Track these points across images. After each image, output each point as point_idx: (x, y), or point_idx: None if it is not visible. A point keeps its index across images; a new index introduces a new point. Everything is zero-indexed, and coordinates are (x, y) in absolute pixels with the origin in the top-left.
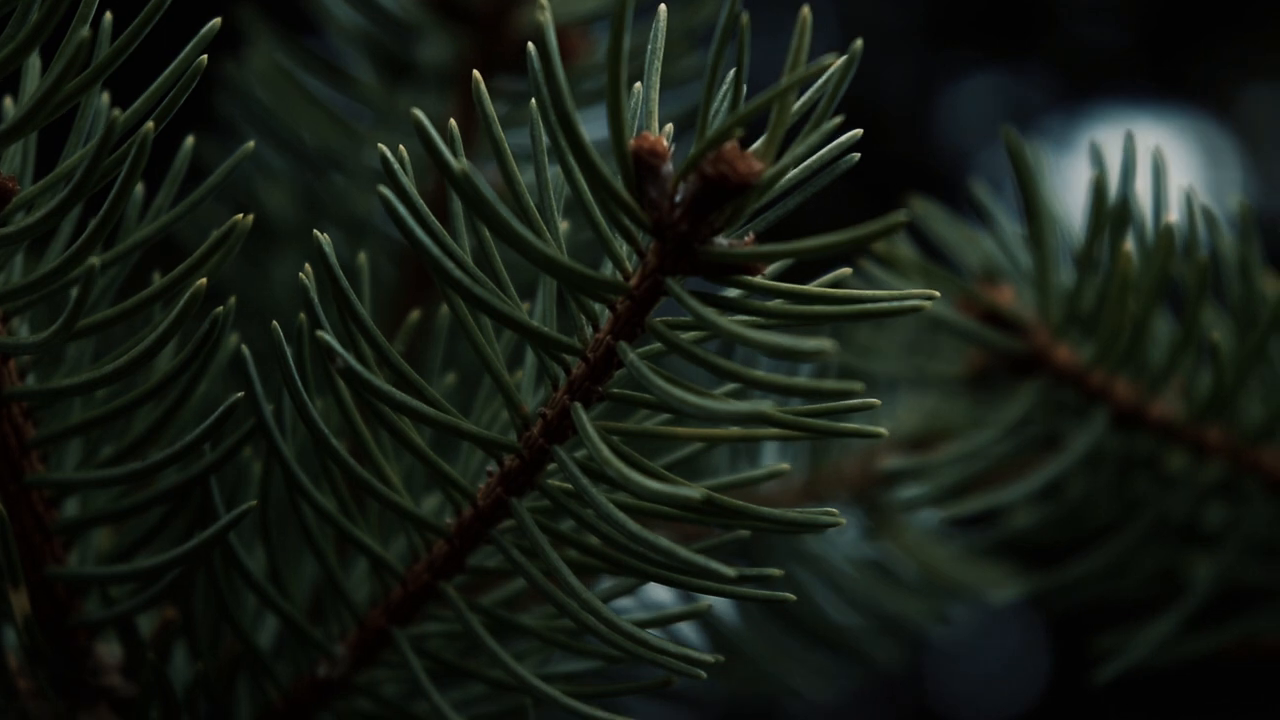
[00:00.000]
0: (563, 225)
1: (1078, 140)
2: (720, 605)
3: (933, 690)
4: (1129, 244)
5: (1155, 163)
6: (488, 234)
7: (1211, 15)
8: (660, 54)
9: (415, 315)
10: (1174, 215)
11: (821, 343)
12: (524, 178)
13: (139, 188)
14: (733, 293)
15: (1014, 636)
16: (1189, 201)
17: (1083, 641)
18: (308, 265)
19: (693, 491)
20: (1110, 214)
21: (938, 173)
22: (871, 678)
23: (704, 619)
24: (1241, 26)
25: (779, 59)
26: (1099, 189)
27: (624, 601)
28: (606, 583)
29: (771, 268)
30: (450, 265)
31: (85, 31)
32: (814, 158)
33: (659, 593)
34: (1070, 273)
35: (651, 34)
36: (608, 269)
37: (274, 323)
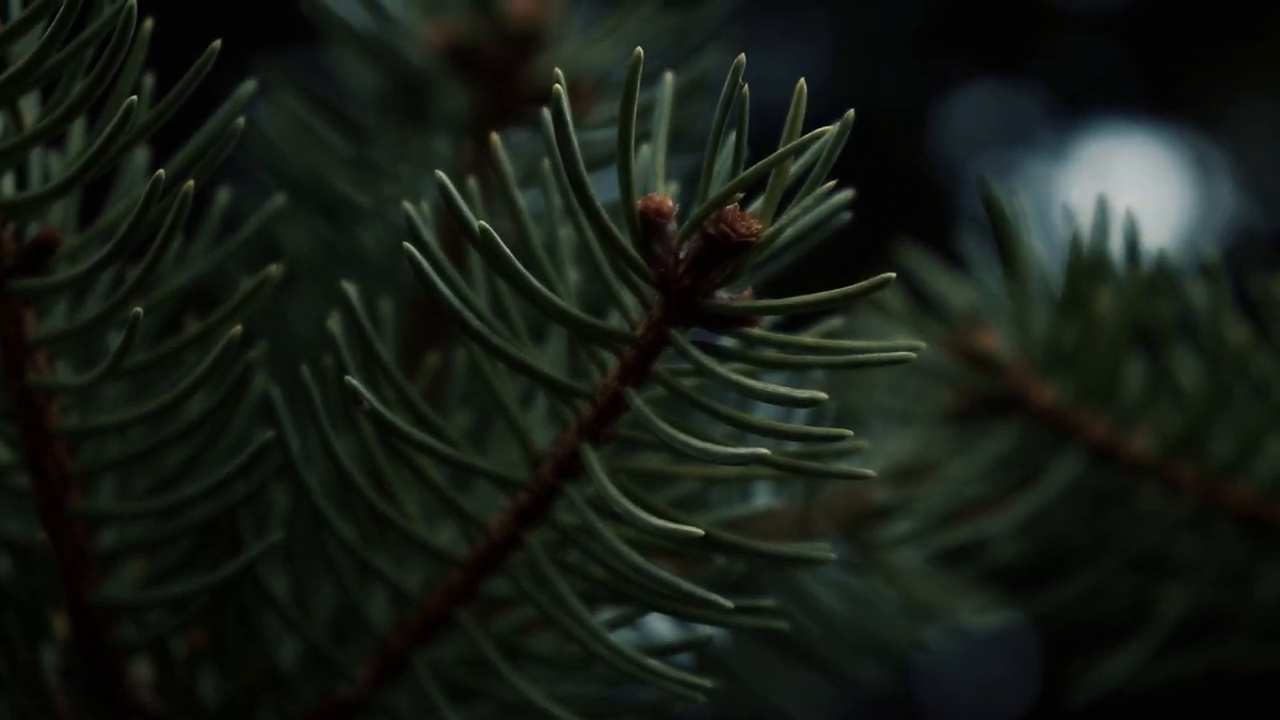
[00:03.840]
0: (573, 276)
1: (1071, 152)
2: (715, 630)
3: (922, 711)
4: (1104, 294)
5: (1129, 224)
6: (503, 284)
7: (1204, 31)
8: (667, 119)
9: (434, 359)
10: (1146, 268)
11: (814, 394)
12: (536, 229)
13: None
14: (732, 342)
15: (1004, 657)
16: (1162, 255)
17: (1069, 664)
18: (334, 313)
19: (694, 529)
20: (1086, 268)
21: (931, 182)
22: (861, 698)
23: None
24: (1233, 42)
25: (777, 65)
26: (1076, 246)
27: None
28: (611, 612)
29: (768, 318)
30: (469, 316)
31: (132, 99)
32: (809, 218)
33: (658, 622)
34: (1052, 314)
35: (658, 100)
36: (616, 319)
37: (303, 366)
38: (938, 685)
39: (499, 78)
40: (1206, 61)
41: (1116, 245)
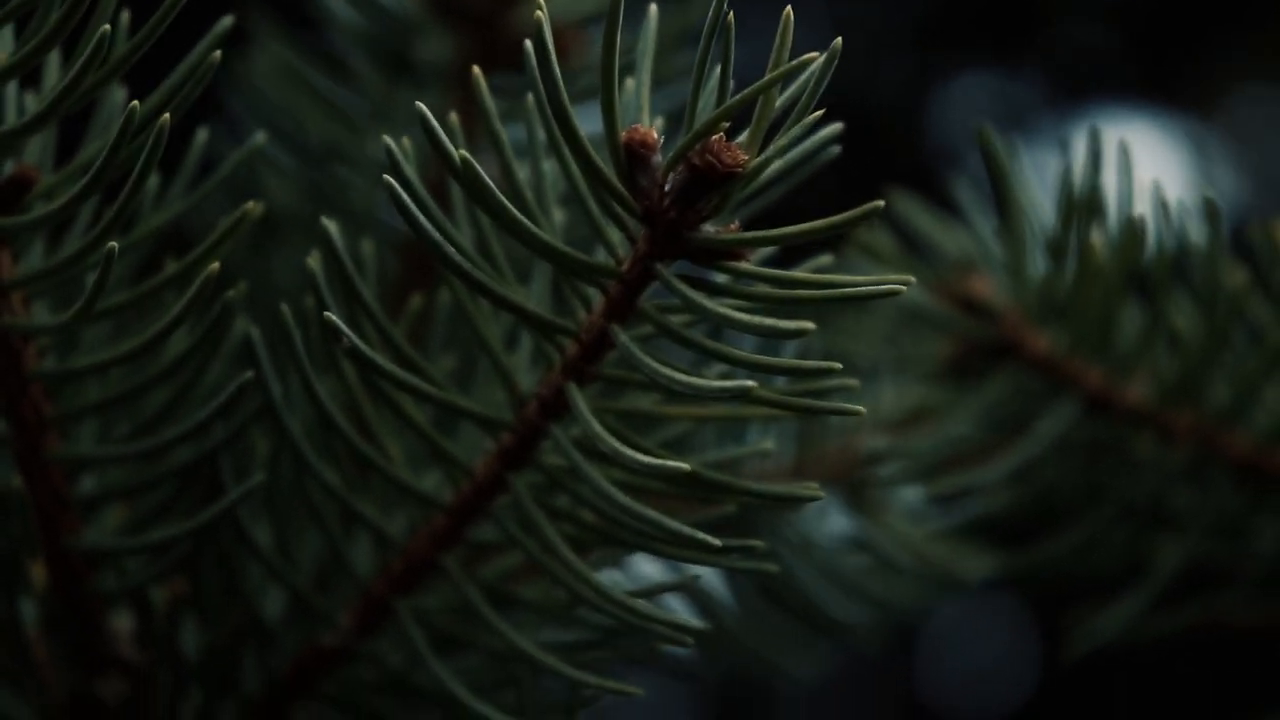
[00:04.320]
0: (558, 217)
1: (1071, 139)
2: (714, 586)
3: (922, 676)
4: (1097, 236)
5: (1122, 157)
6: (486, 222)
7: (1203, 18)
8: (651, 51)
9: (417, 300)
10: (1141, 208)
11: (801, 323)
12: (521, 171)
13: (153, 177)
14: (719, 278)
15: (1007, 622)
16: (1157, 194)
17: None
18: (315, 251)
19: (681, 464)
20: (1078, 206)
21: (931, 171)
22: (863, 663)
23: (700, 601)
24: (1232, 29)
25: (767, 59)
26: (1066, 182)
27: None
28: (599, 555)
29: (757, 255)
30: (451, 250)
31: (105, 28)
32: (797, 150)
33: (649, 572)
34: (1046, 260)
35: (642, 32)
36: (601, 255)
37: (282, 305)
38: (935, 670)
39: (483, 26)
40: (1205, 49)
41: (1110, 182)
